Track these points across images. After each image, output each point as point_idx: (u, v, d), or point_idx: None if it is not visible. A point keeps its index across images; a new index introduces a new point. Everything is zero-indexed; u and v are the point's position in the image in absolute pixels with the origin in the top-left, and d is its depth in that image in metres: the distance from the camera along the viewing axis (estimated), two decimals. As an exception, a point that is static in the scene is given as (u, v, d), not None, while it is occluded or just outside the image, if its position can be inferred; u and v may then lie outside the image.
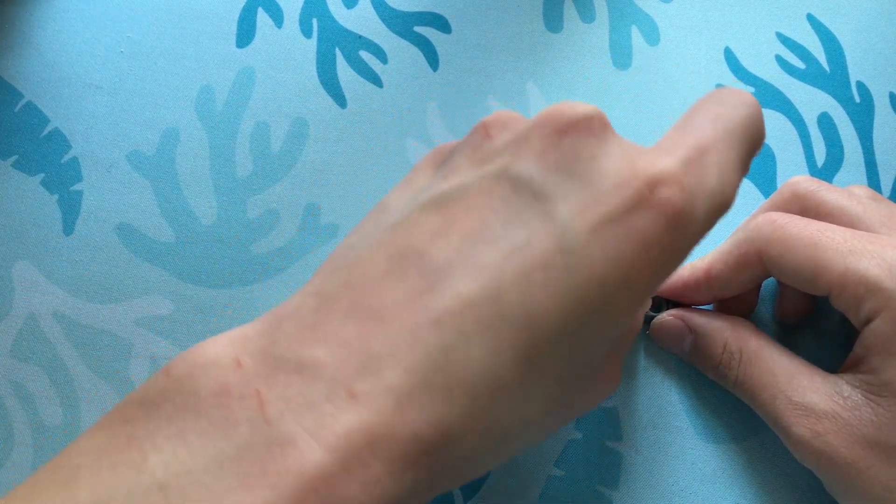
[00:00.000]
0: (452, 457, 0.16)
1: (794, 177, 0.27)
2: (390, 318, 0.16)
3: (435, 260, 0.17)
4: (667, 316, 0.27)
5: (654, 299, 0.28)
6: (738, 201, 0.30)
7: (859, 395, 0.23)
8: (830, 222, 0.25)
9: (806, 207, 0.26)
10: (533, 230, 0.17)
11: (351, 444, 0.15)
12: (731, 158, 0.18)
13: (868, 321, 0.23)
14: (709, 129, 0.19)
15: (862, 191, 0.27)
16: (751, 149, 0.20)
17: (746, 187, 0.30)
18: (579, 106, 0.18)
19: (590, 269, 0.16)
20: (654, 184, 0.17)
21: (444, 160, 0.21)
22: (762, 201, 0.30)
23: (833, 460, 0.23)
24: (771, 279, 0.28)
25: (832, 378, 0.24)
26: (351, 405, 0.15)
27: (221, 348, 0.17)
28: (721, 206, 0.18)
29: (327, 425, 0.15)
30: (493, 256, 0.17)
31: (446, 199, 0.18)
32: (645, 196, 0.17)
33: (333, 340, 0.16)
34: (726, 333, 0.26)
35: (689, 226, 0.17)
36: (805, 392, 0.24)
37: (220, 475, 0.14)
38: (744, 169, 0.19)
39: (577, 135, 0.18)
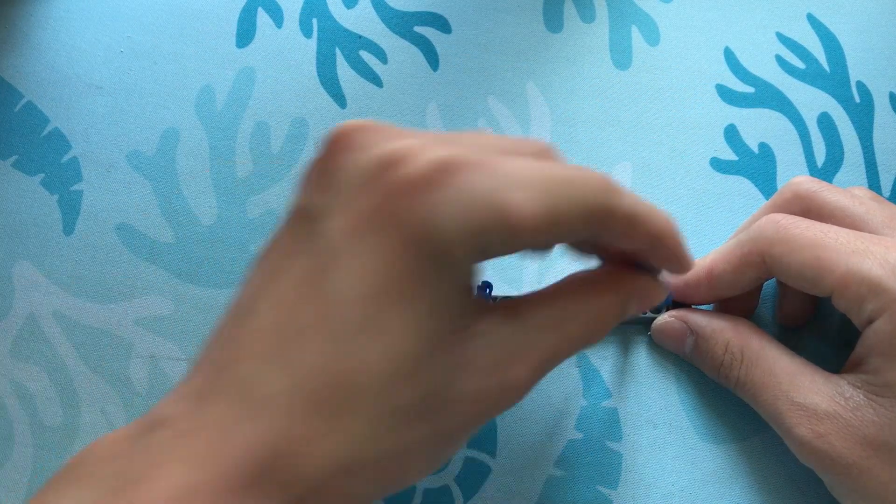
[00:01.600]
0: (287, 477, 0.17)
1: (796, 177, 0.27)
2: (215, 362, 0.18)
3: (241, 303, 0.19)
4: (668, 317, 0.27)
5: None
6: (739, 201, 0.30)
7: (861, 396, 0.23)
8: (832, 223, 0.25)
9: (808, 208, 0.26)
10: (302, 251, 0.18)
11: (190, 471, 0.17)
12: (527, 174, 0.18)
13: (870, 321, 0.23)
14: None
15: (863, 192, 0.27)
16: (571, 215, 0.19)
17: (746, 187, 0.30)
18: (348, 122, 0.20)
19: (351, 266, 0.17)
20: (388, 161, 0.18)
21: None
22: (762, 201, 0.30)
23: (835, 461, 0.23)
24: (771, 281, 0.28)
25: (834, 378, 0.24)
26: (187, 440, 0.17)
27: (115, 432, 0.19)
28: (493, 217, 0.17)
29: (171, 459, 0.17)
30: (274, 286, 0.18)
31: (262, 250, 0.20)
32: (382, 213, 0.17)
33: (182, 397, 0.18)
34: (728, 334, 0.26)
35: (439, 192, 0.17)
36: (807, 393, 0.24)
37: None
38: (551, 203, 0.18)
39: (337, 149, 0.19)
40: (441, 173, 0.17)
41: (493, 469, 0.27)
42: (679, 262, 0.22)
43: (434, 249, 0.17)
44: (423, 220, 0.17)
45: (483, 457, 0.27)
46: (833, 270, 0.23)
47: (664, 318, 0.27)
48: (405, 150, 0.18)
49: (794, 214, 0.26)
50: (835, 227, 0.24)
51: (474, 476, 0.27)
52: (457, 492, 0.27)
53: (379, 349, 0.17)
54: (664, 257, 0.22)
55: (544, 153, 0.20)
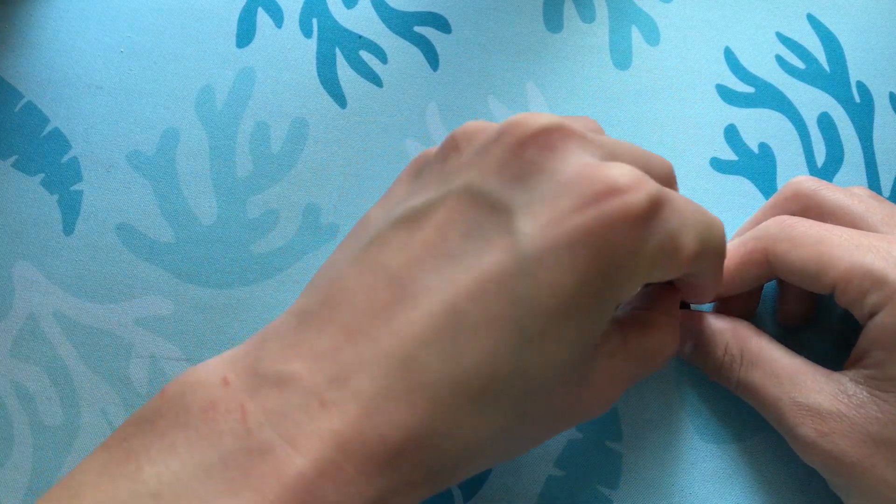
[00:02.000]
0: (425, 458, 0.17)
1: (797, 177, 0.27)
2: (359, 330, 0.18)
3: (399, 274, 0.18)
4: None
5: None
6: (739, 200, 0.30)
7: (864, 393, 0.23)
8: (833, 221, 0.25)
9: (808, 207, 0.26)
10: (489, 242, 0.18)
11: (324, 448, 0.16)
12: (697, 218, 0.20)
13: (872, 315, 0.23)
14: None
15: (862, 191, 0.27)
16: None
17: (746, 187, 0.30)
18: (540, 117, 0.19)
19: (543, 276, 0.17)
20: (609, 192, 0.18)
21: (417, 174, 0.22)
22: (762, 201, 0.30)
23: (839, 460, 0.23)
24: (771, 282, 0.28)
25: (835, 376, 0.24)
26: (322, 413, 0.17)
27: (212, 368, 0.18)
28: (673, 249, 0.19)
29: (301, 433, 0.16)
30: (452, 269, 0.18)
31: (413, 215, 0.19)
32: (599, 207, 0.18)
33: (308, 355, 0.18)
34: (727, 336, 0.26)
35: (640, 230, 0.18)
36: (809, 392, 0.24)
37: (206, 482, 0.16)
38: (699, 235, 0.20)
39: (535, 147, 0.19)
40: (653, 210, 0.18)
41: (493, 469, 0.27)
42: (711, 297, 0.25)
43: (625, 275, 0.18)
44: (632, 250, 0.18)
45: (483, 457, 0.27)
46: (836, 265, 0.23)
47: None
48: (622, 180, 0.18)
49: (794, 213, 0.26)
50: (837, 226, 0.24)
51: (474, 476, 0.27)
52: (457, 492, 0.27)
53: (545, 358, 0.18)
54: (711, 288, 0.24)
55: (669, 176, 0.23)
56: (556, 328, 0.18)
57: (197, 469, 0.16)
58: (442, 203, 0.19)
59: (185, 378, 0.18)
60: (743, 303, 0.28)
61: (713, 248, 0.21)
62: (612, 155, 0.20)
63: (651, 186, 0.18)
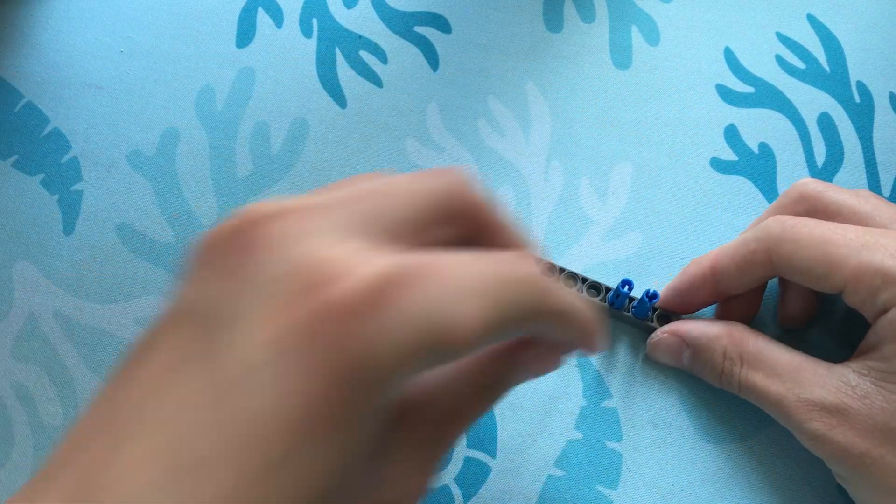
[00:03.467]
0: None
1: (802, 179, 0.27)
2: (84, 486, 0.15)
3: (125, 419, 0.16)
4: (660, 333, 0.27)
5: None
6: (739, 200, 0.30)
7: (868, 384, 0.23)
8: (839, 221, 0.25)
9: (814, 208, 0.26)
10: (208, 363, 0.15)
11: None
12: (468, 287, 0.16)
13: (884, 311, 0.23)
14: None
15: (867, 193, 0.27)
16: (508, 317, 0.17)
17: (746, 187, 0.30)
18: (249, 211, 0.17)
19: (269, 393, 0.15)
20: (322, 276, 0.15)
21: None
22: (762, 201, 0.30)
23: (848, 451, 0.23)
24: (773, 284, 0.28)
25: (837, 369, 0.24)
26: None
27: None
28: (433, 339, 0.15)
29: None
30: (164, 414, 0.15)
31: (144, 345, 0.17)
32: (303, 336, 0.15)
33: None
34: (723, 341, 0.26)
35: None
36: (812, 387, 0.24)
37: None
38: (491, 314, 0.16)
39: (246, 244, 0.16)
40: (378, 294, 0.15)
41: (493, 469, 0.27)
42: (593, 344, 0.21)
43: (369, 378, 0.15)
44: (360, 349, 0.15)
45: (483, 457, 0.27)
46: (844, 265, 0.23)
47: (657, 335, 0.27)
48: (337, 263, 0.15)
49: (800, 215, 0.26)
50: (842, 225, 0.24)
51: (474, 476, 0.27)
52: (457, 492, 0.27)
53: (298, 485, 0.15)
54: (583, 342, 0.20)
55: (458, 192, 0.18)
56: (304, 450, 0.15)
57: None
58: (162, 324, 0.17)
59: None
60: (745, 305, 0.28)
61: (532, 306, 0.17)
62: (349, 224, 0.16)
63: (370, 266, 0.15)
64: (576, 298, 0.19)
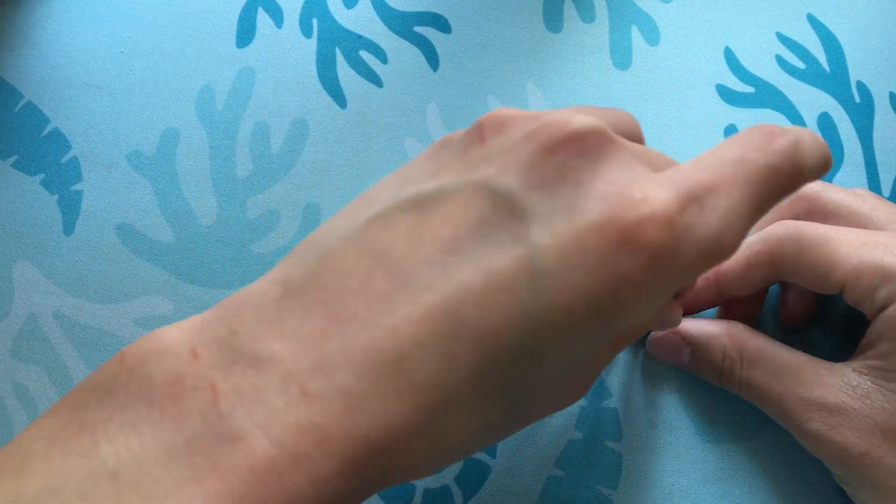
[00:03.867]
0: (406, 458, 0.16)
1: None
2: (350, 318, 0.16)
3: (402, 264, 0.17)
4: (661, 331, 0.27)
5: None
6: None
7: (869, 383, 0.23)
8: (838, 222, 0.26)
9: (812, 208, 0.26)
10: (503, 249, 0.16)
11: (301, 442, 0.15)
12: (741, 205, 0.17)
13: (883, 308, 0.23)
14: (728, 170, 0.18)
15: (864, 192, 0.27)
16: (768, 199, 0.18)
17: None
18: (576, 120, 0.18)
19: (556, 295, 0.16)
20: (640, 221, 0.16)
21: (436, 154, 0.20)
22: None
23: (848, 451, 0.23)
24: (773, 287, 0.28)
25: (837, 368, 0.24)
26: (302, 403, 0.15)
27: (178, 336, 0.17)
28: (715, 253, 0.17)
29: (278, 421, 0.15)
30: (459, 270, 0.16)
31: (425, 200, 0.17)
32: (627, 233, 0.16)
33: (291, 336, 0.16)
34: (723, 340, 0.26)
35: (671, 267, 0.16)
36: (812, 387, 0.24)
37: (170, 467, 0.15)
38: (754, 217, 0.18)
39: (567, 153, 0.17)
40: (682, 240, 0.17)
41: (493, 469, 0.27)
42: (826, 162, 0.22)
43: (642, 302, 0.17)
44: (655, 282, 0.17)
45: (483, 457, 0.27)
46: (844, 264, 0.23)
47: (657, 333, 0.27)
48: (659, 206, 0.16)
49: (799, 215, 0.26)
50: (843, 227, 0.25)
51: (474, 476, 0.27)
52: (457, 491, 0.27)
53: (541, 372, 0.17)
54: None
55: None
56: (558, 347, 0.17)
57: (160, 451, 0.15)
58: (456, 194, 0.17)
59: (148, 345, 0.16)
60: (747, 306, 0.28)
61: (781, 186, 0.19)
62: (656, 167, 0.18)
63: (671, 190, 0.17)
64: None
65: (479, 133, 0.19)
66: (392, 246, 0.17)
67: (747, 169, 0.18)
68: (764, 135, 0.19)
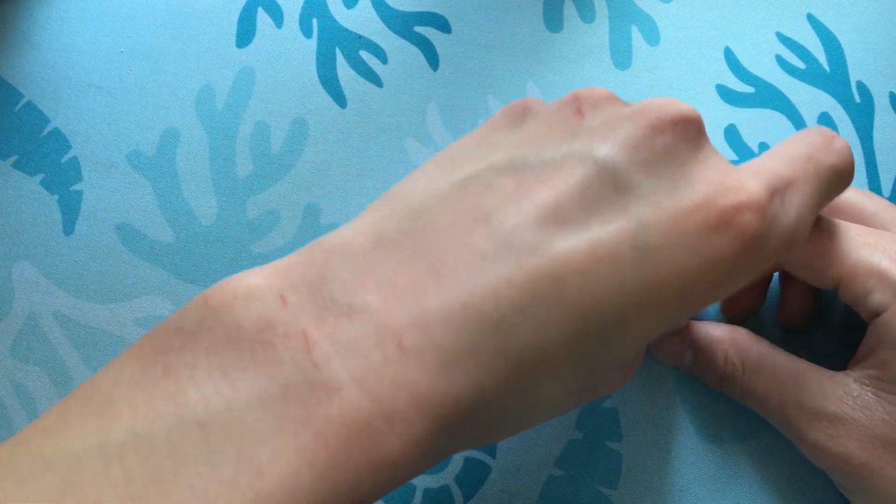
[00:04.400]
0: (492, 419, 0.16)
1: None
2: (448, 274, 0.16)
3: (504, 226, 0.16)
4: (664, 332, 0.27)
5: None
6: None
7: (869, 394, 0.23)
8: (844, 218, 0.25)
9: None
10: (608, 221, 0.17)
11: (396, 397, 0.15)
12: (811, 199, 0.19)
13: (877, 314, 0.23)
14: (800, 166, 0.19)
15: (871, 194, 0.27)
16: (829, 196, 0.20)
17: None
18: (680, 105, 0.18)
19: (655, 272, 0.17)
20: (739, 206, 0.17)
21: (521, 121, 0.20)
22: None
23: (848, 461, 0.23)
24: (774, 284, 0.28)
25: (839, 378, 0.24)
26: (398, 358, 0.15)
27: (264, 280, 0.16)
28: (792, 241, 0.18)
29: (374, 375, 0.15)
30: (564, 237, 0.16)
31: (526, 166, 0.17)
32: (727, 217, 0.17)
33: (387, 287, 0.16)
34: (726, 345, 0.26)
35: (761, 252, 0.18)
36: (814, 396, 0.23)
37: (263, 417, 0.14)
38: (818, 211, 0.20)
39: (672, 135, 0.18)
40: (769, 201, 0.18)
41: (493, 469, 0.27)
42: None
43: (731, 284, 0.18)
44: (744, 266, 0.18)
45: (483, 457, 0.27)
46: (842, 261, 0.23)
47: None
48: (756, 197, 0.18)
49: None
50: (848, 223, 0.24)
51: (474, 476, 0.27)
52: (457, 491, 0.27)
53: (626, 343, 0.17)
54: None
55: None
56: (647, 320, 0.17)
57: (252, 400, 0.14)
58: (561, 164, 0.17)
59: (233, 287, 0.16)
60: (750, 298, 0.28)
61: (840, 181, 0.21)
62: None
63: (759, 182, 0.18)
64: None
65: (577, 105, 0.19)
66: (493, 207, 0.17)
67: (816, 166, 0.19)
68: (825, 136, 0.20)
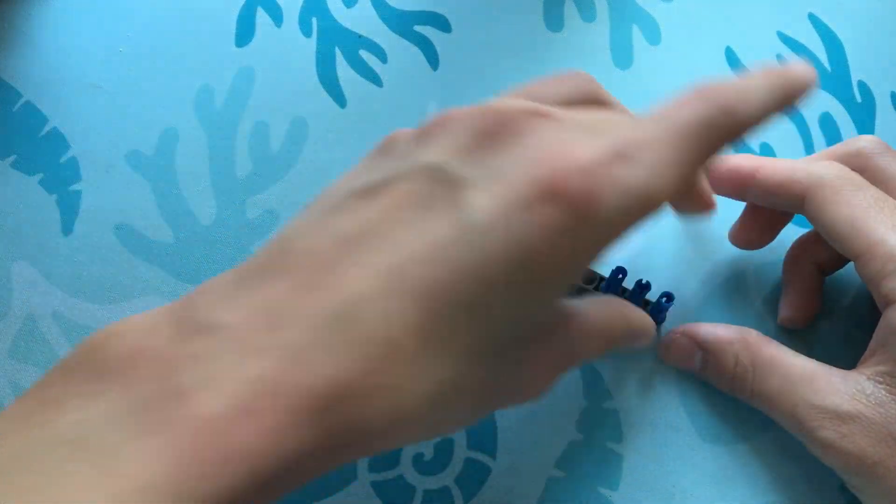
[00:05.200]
0: (352, 414, 0.17)
1: (863, 135, 0.27)
2: (301, 285, 0.17)
3: (352, 237, 0.18)
4: (673, 335, 0.27)
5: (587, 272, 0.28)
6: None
7: (882, 392, 0.23)
8: (884, 189, 0.25)
9: (864, 167, 0.26)
10: (442, 213, 0.18)
11: (244, 393, 0.16)
12: (669, 156, 0.19)
13: (889, 301, 0.23)
14: (651, 125, 0.20)
15: None
16: (704, 148, 0.20)
17: (747, 187, 0.30)
18: (507, 104, 0.19)
19: (492, 249, 0.17)
20: (564, 174, 0.18)
21: (388, 150, 0.22)
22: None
23: (861, 460, 0.22)
24: (774, 284, 0.28)
25: (851, 376, 0.24)
26: (247, 359, 0.16)
27: (140, 318, 0.18)
28: (644, 201, 0.18)
29: (227, 376, 0.16)
30: (404, 235, 0.18)
31: (375, 186, 0.19)
32: (553, 186, 0.18)
33: (245, 306, 0.17)
34: (736, 346, 0.26)
35: (596, 215, 0.18)
36: (826, 395, 0.23)
37: (121, 427, 0.15)
38: (690, 165, 0.19)
39: (502, 130, 0.19)
40: (606, 164, 0.18)
41: (493, 470, 0.27)
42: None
43: (579, 255, 0.18)
44: (587, 234, 0.18)
45: (483, 457, 0.27)
46: (867, 236, 0.23)
47: (670, 336, 0.27)
48: (584, 161, 0.18)
49: (854, 169, 0.26)
50: (890, 200, 0.24)
51: (474, 477, 0.27)
52: (457, 492, 0.27)
53: (482, 328, 0.18)
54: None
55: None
56: (502, 304, 0.18)
57: (112, 415, 0.16)
58: (401, 178, 0.19)
59: (112, 327, 0.18)
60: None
61: (718, 137, 0.20)
62: (591, 132, 0.19)
63: (599, 143, 0.18)
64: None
65: (428, 129, 0.20)
66: (344, 225, 0.18)
67: (677, 123, 0.19)
68: (697, 90, 0.20)
